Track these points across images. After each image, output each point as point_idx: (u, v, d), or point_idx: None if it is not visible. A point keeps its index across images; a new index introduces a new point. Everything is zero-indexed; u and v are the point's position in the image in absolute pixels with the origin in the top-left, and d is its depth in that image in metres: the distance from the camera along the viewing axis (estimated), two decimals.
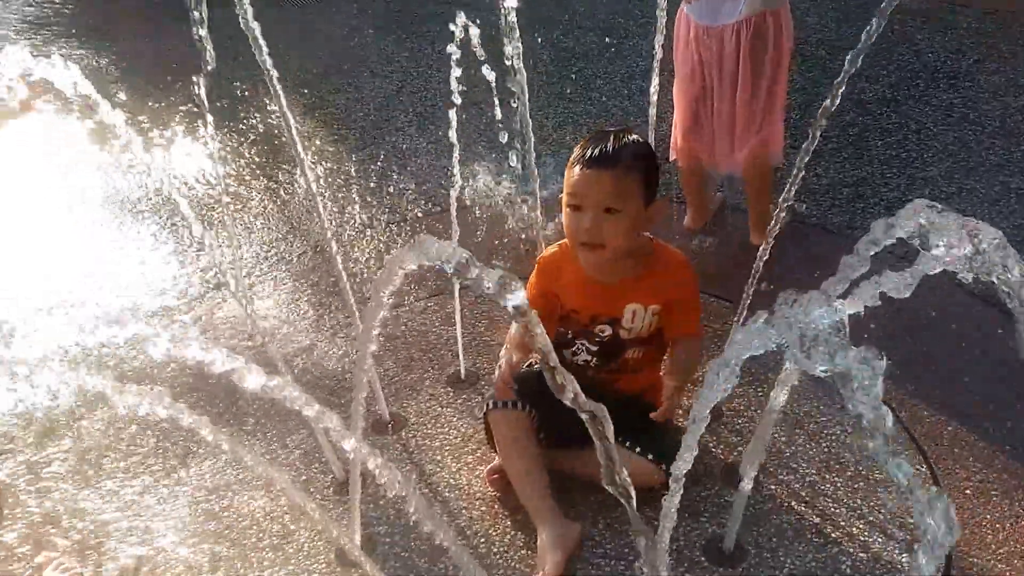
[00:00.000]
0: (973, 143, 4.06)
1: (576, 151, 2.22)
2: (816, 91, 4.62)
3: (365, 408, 1.84)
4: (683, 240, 3.46)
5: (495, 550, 2.29)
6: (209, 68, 2.17)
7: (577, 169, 2.19)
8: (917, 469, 2.43)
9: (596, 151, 2.18)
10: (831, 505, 2.34)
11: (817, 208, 3.67)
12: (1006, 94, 4.46)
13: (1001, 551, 2.20)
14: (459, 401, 2.79)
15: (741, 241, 3.46)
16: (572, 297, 2.35)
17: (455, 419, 2.73)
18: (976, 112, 4.31)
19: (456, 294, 2.89)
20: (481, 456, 2.57)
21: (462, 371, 2.90)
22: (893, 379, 2.65)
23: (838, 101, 2.13)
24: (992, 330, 2.80)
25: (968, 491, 2.37)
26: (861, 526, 2.28)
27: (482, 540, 2.32)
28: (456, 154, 2.66)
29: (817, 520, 2.30)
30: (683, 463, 1.46)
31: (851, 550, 2.21)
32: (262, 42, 2.04)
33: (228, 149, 4.59)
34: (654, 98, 3.19)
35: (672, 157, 3.43)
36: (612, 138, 2.21)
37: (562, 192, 2.24)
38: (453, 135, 2.59)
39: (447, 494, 2.47)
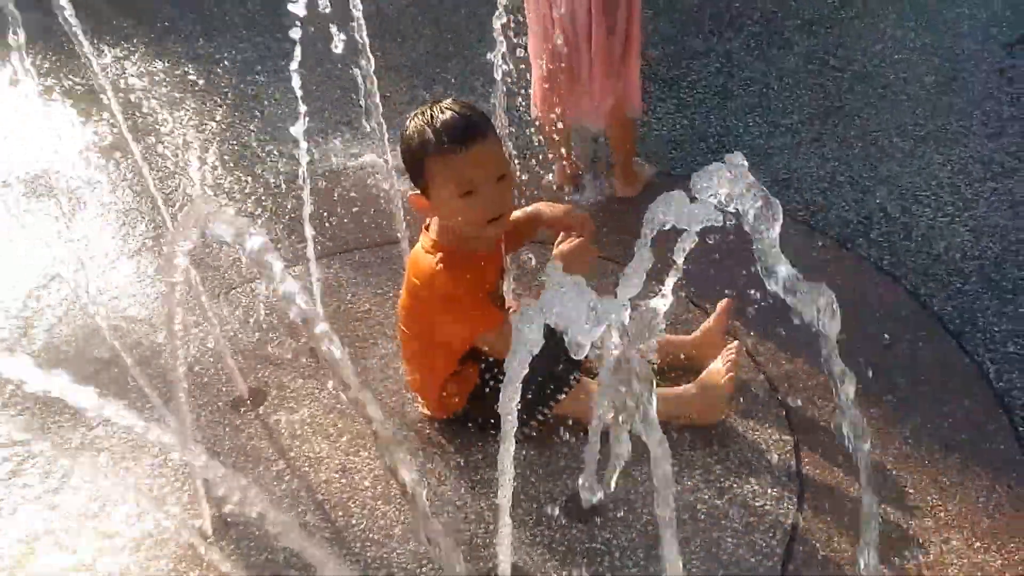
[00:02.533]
0: (833, 88, 4.13)
1: (430, 139, 2.10)
2: (681, 41, 4.65)
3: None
4: (552, 197, 3.45)
5: (354, 522, 2.26)
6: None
7: (457, 155, 2.09)
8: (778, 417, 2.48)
9: (463, 128, 2.10)
10: (689, 453, 2.37)
11: (684, 159, 3.70)
12: (864, 39, 4.55)
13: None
14: (320, 373, 2.73)
15: (609, 195, 3.48)
16: (489, 279, 2.36)
17: (316, 391, 2.67)
18: (837, 58, 4.39)
19: (313, 264, 2.82)
20: (342, 428, 2.52)
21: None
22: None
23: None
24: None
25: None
26: (719, 471, 2.31)
27: (340, 513, 2.29)
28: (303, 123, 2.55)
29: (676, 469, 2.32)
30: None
31: (707, 496, 2.24)
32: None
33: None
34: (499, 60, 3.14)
35: (534, 114, 3.39)
36: (457, 111, 2.14)
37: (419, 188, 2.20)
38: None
39: (305, 468, 2.42)
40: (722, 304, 2.62)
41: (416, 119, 2.16)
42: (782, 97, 4.10)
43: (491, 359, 2.34)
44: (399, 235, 2.85)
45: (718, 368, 2.40)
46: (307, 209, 2.69)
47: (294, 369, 2.76)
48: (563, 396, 2.35)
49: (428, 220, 2.33)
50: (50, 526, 2.32)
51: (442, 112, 2.13)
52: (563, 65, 3.18)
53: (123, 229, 3.58)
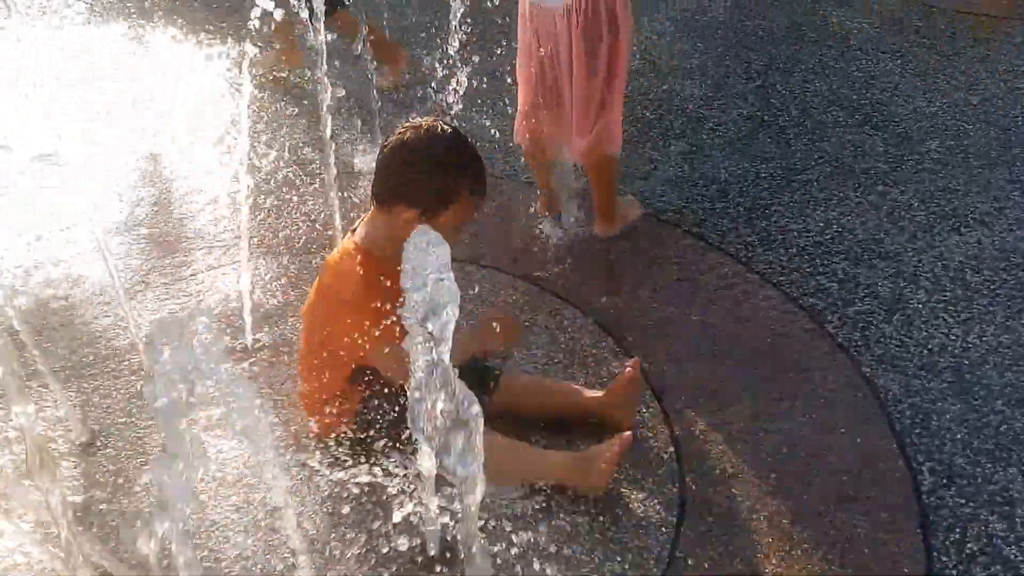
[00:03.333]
0: (865, 148, 3.86)
1: (469, 180, 2.20)
2: (718, 80, 4.43)
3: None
4: (529, 224, 3.38)
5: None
6: None
7: (482, 200, 2.26)
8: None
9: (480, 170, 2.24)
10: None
11: (678, 202, 3.52)
12: (915, 100, 4.23)
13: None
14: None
15: (587, 229, 3.35)
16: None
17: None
18: (880, 116, 4.10)
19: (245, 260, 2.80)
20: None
21: (248, 342, 2.82)
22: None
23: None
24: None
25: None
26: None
27: None
28: None
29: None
30: None
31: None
32: None
33: None
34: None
35: (516, 141, 3.28)
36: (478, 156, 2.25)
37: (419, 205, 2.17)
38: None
39: None
40: (627, 370, 2.49)
41: (451, 153, 2.20)
42: (806, 151, 3.86)
43: (375, 388, 2.26)
44: None
45: (601, 453, 2.29)
46: None
47: None
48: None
49: (356, 224, 2.30)
50: None
51: (473, 153, 2.24)
52: (544, 99, 3.07)
53: None
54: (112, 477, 2.42)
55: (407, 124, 2.25)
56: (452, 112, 3.18)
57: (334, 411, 2.34)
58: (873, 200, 3.52)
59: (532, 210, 3.45)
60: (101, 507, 2.34)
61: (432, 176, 2.18)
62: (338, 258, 2.29)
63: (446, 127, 2.23)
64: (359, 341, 2.14)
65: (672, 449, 2.47)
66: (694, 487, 2.37)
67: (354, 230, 2.30)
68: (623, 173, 3.49)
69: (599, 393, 2.52)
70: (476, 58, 3.40)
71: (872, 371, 2.72)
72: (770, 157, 3.80)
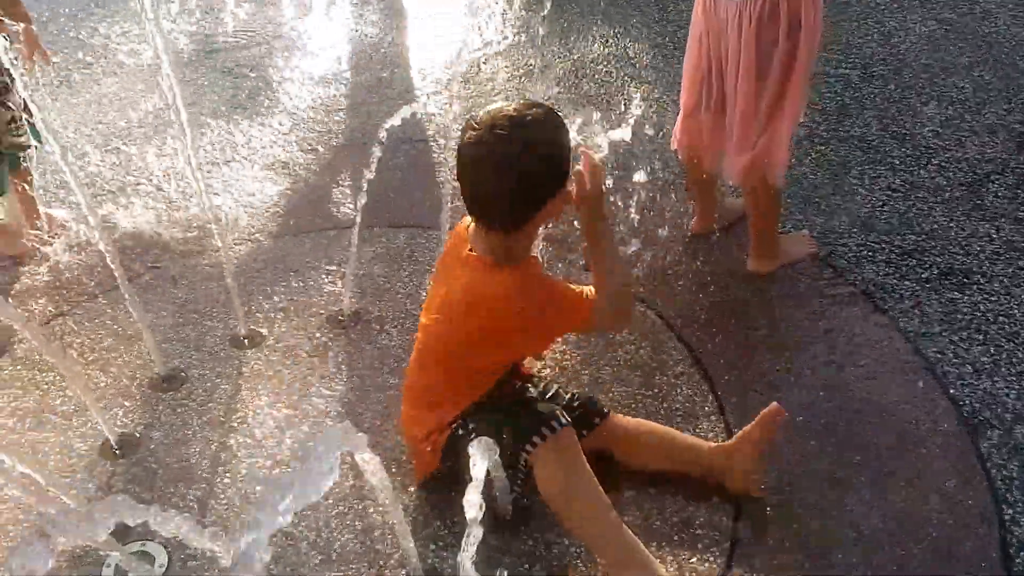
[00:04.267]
0: None
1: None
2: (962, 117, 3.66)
3: None
4: (677, 243, 2.97)
5: None
6: None
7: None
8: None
9: None
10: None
11: (860, 251, 2.93)
12: None
13: None
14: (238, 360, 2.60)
15: (735, 264, 2.87)
16: None
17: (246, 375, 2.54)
18: None
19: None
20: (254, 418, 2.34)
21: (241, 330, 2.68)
22: None
23: None
24: None
25: None
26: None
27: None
28: None
29: None
30: None
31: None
32: None
33: None
34: None
35: (673, 145, 2.84)
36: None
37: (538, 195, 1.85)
38: None
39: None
40: (769, 410, 2.13)
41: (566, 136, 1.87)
42: None
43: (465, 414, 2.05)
44: None
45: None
46: None
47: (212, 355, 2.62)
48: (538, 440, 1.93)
49: (471, 246, 1.96)
50: None
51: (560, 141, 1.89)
52: (709, 104, 2.62)
53: None
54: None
55: (475, 130, 1.82)
56: None
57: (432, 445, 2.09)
58: None
59: (686, 227, 3.01)
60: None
61: (552, 157, 1.84)
62: (480, 279, 1.92)
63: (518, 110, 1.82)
64: (570, 322, 2.04)
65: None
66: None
67: (471, 249, 1.96)
68: (812, 200, 3.07)
69: (727, 442, 2.18)
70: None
71: None
72: (1001, 214, 3.08)
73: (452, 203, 2.61)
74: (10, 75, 2.65)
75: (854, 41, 4.17)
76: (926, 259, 2.88)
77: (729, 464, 2.13)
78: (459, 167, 1.85)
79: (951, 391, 2.41)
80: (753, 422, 2.13)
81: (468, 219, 1.98)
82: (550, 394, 2.18)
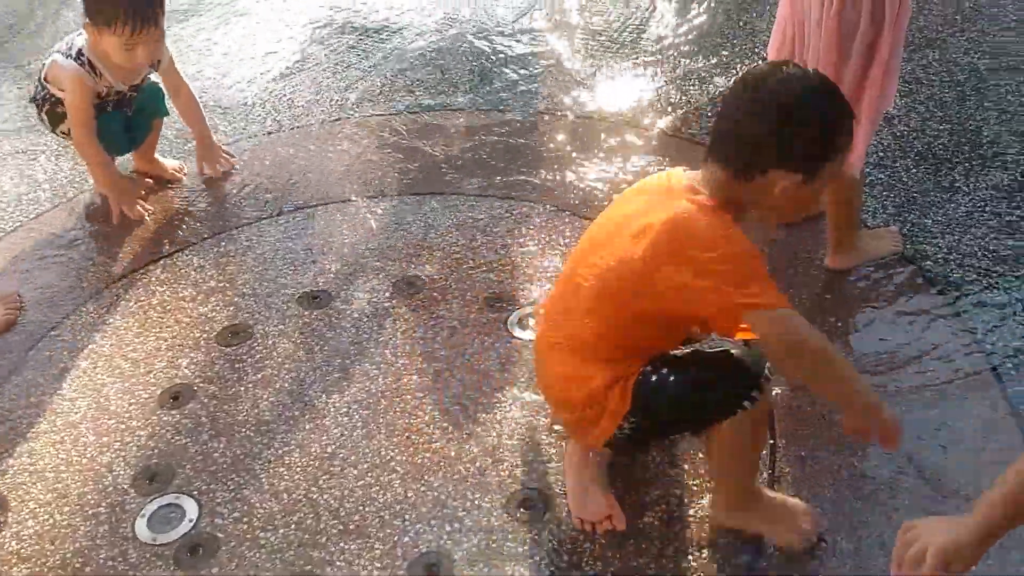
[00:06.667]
0: None
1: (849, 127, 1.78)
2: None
3: None
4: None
5: None
6: None
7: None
8: None
9: None
10: None
11: (949, 251, 2.74)
12: None
13: None
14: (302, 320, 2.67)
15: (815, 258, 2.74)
16: None
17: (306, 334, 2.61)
18: None
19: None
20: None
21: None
22: None
23: None
24: None
25: None
26: None
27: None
28: None
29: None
30: None
31: None
32: None
33: None
34: None
35: None
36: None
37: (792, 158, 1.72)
38: None
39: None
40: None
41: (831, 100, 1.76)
42: None
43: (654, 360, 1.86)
44: None
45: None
46: None
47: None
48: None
49: (701, 182, 1.79)
50: None
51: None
52: None
53: None
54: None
55: (752, 74, 1.78)
56: None
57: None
58: None
59: None
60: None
61: (820, 131, 1.73)
62: (687, 215, 1.73)
63: (807, 70, 1.82)
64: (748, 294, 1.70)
65: None
66: None
67: (694, 189, 1.79)
68: (910, 194, 2.94)
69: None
70: None
71: None
72: None
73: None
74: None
75: (989, 28, 3.87)
76: (1020, 268, 2.67)
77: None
78: (726, 97, 1.83)
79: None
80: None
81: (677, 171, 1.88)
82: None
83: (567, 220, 2.96)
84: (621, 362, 1.85)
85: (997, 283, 2.62)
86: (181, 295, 2.76)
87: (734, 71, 3.68)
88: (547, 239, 2.88)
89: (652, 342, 1.88)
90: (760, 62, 1.71)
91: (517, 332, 2.55)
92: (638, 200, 1.87)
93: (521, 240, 2.88)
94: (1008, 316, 2.51)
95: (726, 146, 1.75)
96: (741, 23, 4.06)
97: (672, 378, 1.82)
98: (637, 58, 3.85)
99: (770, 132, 1.70)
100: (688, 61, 3.80)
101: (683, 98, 3.56)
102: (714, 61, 3.80)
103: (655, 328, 1.85)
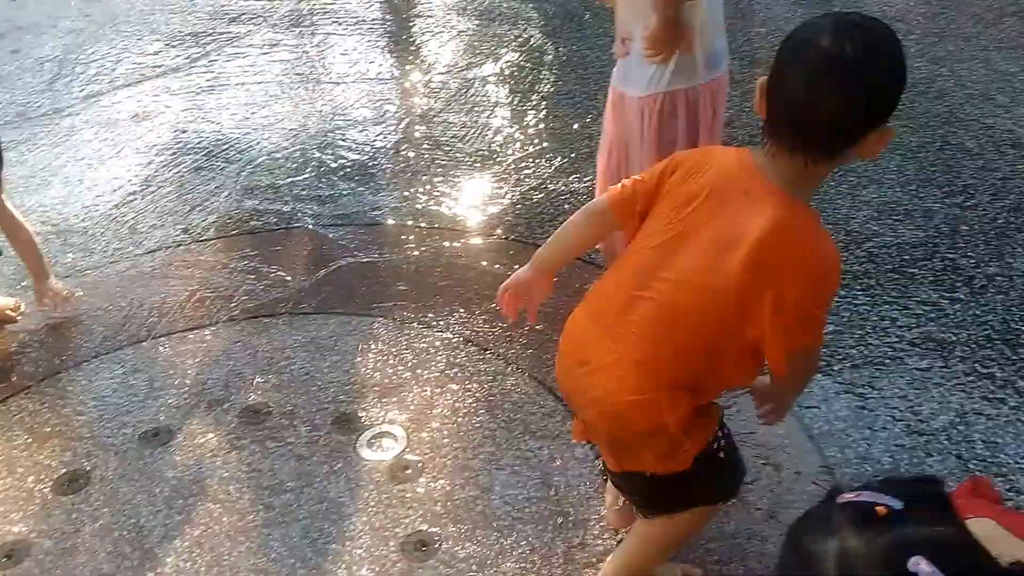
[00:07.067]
0: None
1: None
2: None
3: None
4: None
5: None
6: None
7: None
8: None
9: None
10: None
11: None
12: None
13: None
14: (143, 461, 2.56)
15: None
16: None
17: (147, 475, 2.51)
18: None
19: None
20: None
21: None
22: None
23: None
24: None
25: None
26: None
27: None
28: None
29: None
30: None
31: None
32: None
33: None
34: None
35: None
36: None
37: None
38: None
39: None
40: None
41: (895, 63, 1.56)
42: None
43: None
44: None
45: None
46: None
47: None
48: None
49: (779, 178, 1.61)
50: None
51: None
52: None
53: None
54: None
55: (805, 52, 1.56)
56: None
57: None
58: None
59: None
60: None
61: (889, 76, 1.55)
62: (787, 223, 1.58)
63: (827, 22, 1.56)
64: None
65: None
66: None
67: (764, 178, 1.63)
68: None
69: None
70: None
71: None
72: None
73: None
74: None
75: None
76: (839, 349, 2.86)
77: None
78: (784, 70, 1.57)
79: None
80: None
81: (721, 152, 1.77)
82: None
83: (416, 331, 2.99)
84: (706, 390, 1.72)
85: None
86: (15, 443, 2.65)
87: (577, 175, 3.82)
88: (395, 353, 2.90)
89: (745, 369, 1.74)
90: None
91: (366, 455, 2.56)
92: (710, 207, 1.66)
93: (371, 356, 2.90)
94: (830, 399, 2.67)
95: (807, 126, 1.55)
96: (576, 128, 4.24)
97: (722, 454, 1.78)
98: (481, 166, 3.97)
99: (856, 105, 1.52)
100: (529, 167, 3.95)
101: (526, 204, 3.68)
102: (555, 165, 3.95)
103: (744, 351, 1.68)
